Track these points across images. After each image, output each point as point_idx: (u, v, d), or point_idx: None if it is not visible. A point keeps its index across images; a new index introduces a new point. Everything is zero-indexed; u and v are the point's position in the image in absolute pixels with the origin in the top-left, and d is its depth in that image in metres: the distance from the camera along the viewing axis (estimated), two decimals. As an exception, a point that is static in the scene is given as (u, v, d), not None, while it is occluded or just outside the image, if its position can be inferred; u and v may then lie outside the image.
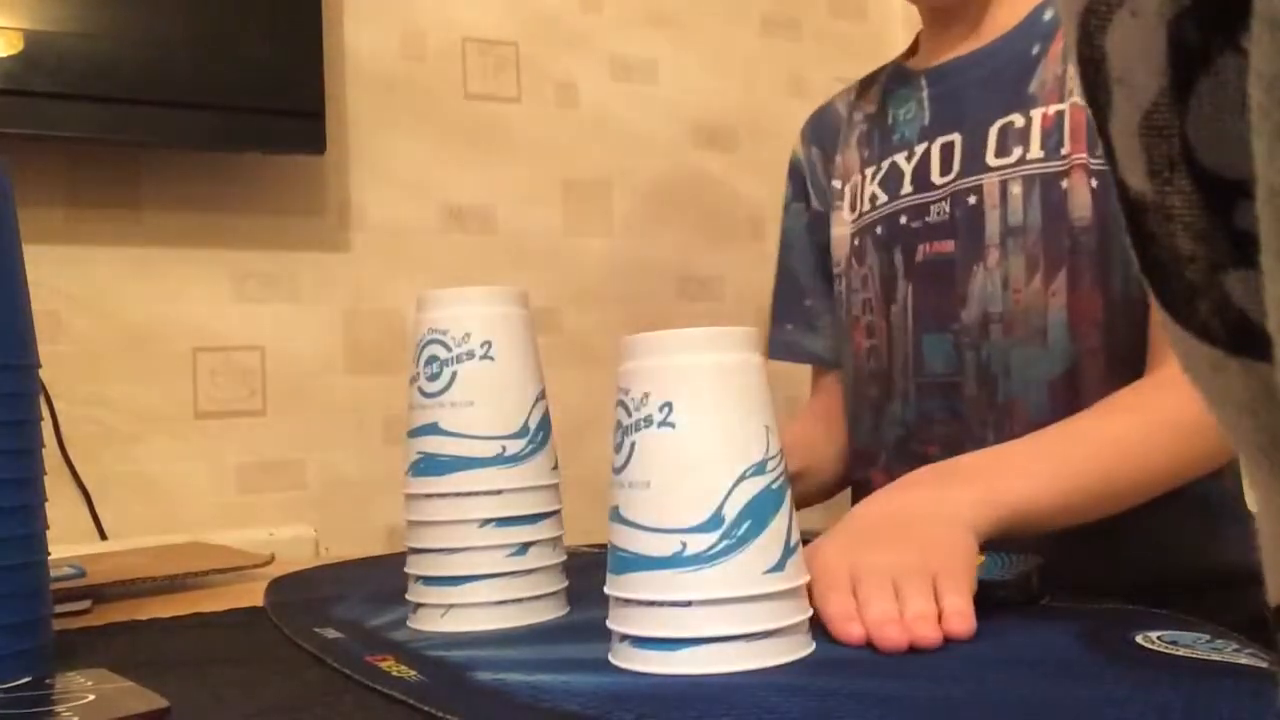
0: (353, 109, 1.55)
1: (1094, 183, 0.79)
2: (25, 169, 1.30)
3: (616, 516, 0.56)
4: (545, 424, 0.67)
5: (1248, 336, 0.20)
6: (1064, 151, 0.80)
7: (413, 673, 0.54)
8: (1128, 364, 0.79)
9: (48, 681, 0.53)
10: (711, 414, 0.53)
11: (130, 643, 0.65)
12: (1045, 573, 0.64)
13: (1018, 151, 0.82)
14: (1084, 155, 0.79)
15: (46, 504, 0.60)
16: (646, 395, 0.54)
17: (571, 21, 1.70)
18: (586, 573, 0.76)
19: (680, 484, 0.53)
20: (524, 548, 0.64)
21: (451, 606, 0.64)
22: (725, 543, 0.52)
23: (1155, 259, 0.21)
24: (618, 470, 0.56)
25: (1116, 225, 0.78)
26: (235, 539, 1.13)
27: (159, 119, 1.32)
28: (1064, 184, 0.80)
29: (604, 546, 0.97)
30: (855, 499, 0.99)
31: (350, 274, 1.53)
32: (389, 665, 0.55)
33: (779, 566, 0.52)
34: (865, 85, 1.03)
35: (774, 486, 0.53)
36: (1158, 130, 0.20)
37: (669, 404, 0.53)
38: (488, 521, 0.64)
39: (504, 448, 0.64)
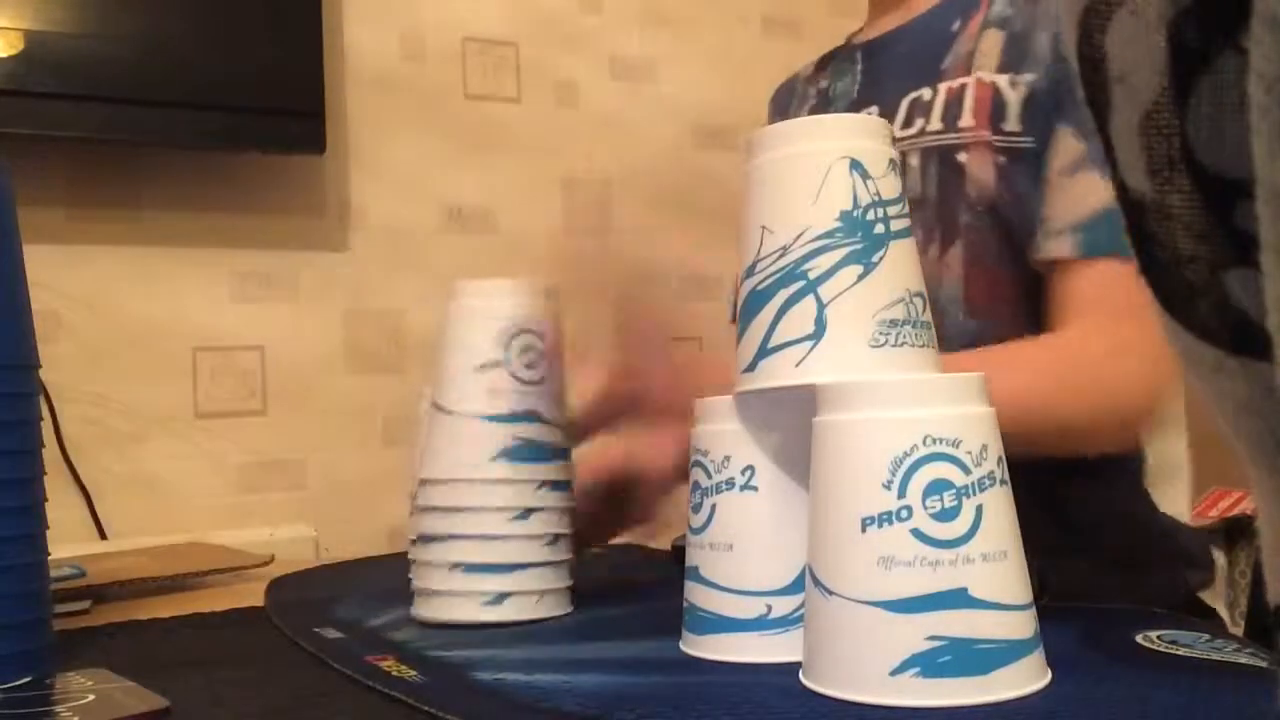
0: (353, 109, 1.55)
1: (1001, 160, 0.78)
2: (25, 169, 1.30)
3: (696, 576, 0.56)
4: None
5: (1248, 336, 0.20)
6: (962, 124, 0.79)
7: (413, 673, 0.53)
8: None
9: (48, 681, 0.53)
10: (795, 477, 0.53)
11: (130, 643, 0.65)
12: (1043, 571, 0.64)
13: (919, 123, 0.82)
14: (987, 133, 0.78)
15: (46, 504, 0.60)
16: (728, 459, 0.54)
17: (571, 21, 1.70)
18: (587, 572, 0.76)
19: (763, 547, 0.53)
20: (556, 539, 0.66)
21: (490, 595, 0.64)
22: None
23: (1155, 258, 0.21)
24: (697, 530, 0.56)
25: (1026, 206, 0.77)
26: (235, 539, 1.13)
27: (159, 119, 1.33)
28: (960, 157, 0.79)
29: (604, 547, 0.97)
30: None
31: (350, 274, 1.53)
32: (389, 665, 0.55)
33: None
34: (823, 62, 1.03)
35: None
36: (1158, 129, 0.20)
37: (751, 467, 0.54)
38: (530, 511, 0.65)
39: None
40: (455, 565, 0.65)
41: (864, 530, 0.45)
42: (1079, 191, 0.74)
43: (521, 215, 1.65)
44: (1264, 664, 0.48)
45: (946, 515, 0.44)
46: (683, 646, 0.56)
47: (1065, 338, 0.73)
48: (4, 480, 0.57)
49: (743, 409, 0.54)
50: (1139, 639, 0.54)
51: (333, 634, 0.63)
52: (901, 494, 0.44)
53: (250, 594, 0.79)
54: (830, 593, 0.46)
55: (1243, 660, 0.49)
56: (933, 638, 0.43)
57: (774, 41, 1.84)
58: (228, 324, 1.45)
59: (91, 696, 0.49)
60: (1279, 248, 0.17)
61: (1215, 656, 0.50)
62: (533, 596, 0.64)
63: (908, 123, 0.83)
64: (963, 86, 0.80)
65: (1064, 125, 0.76)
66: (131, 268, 1.40)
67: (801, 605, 0.51)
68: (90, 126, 1.29)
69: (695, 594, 0.55)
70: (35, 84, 1.25)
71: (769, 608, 0.53)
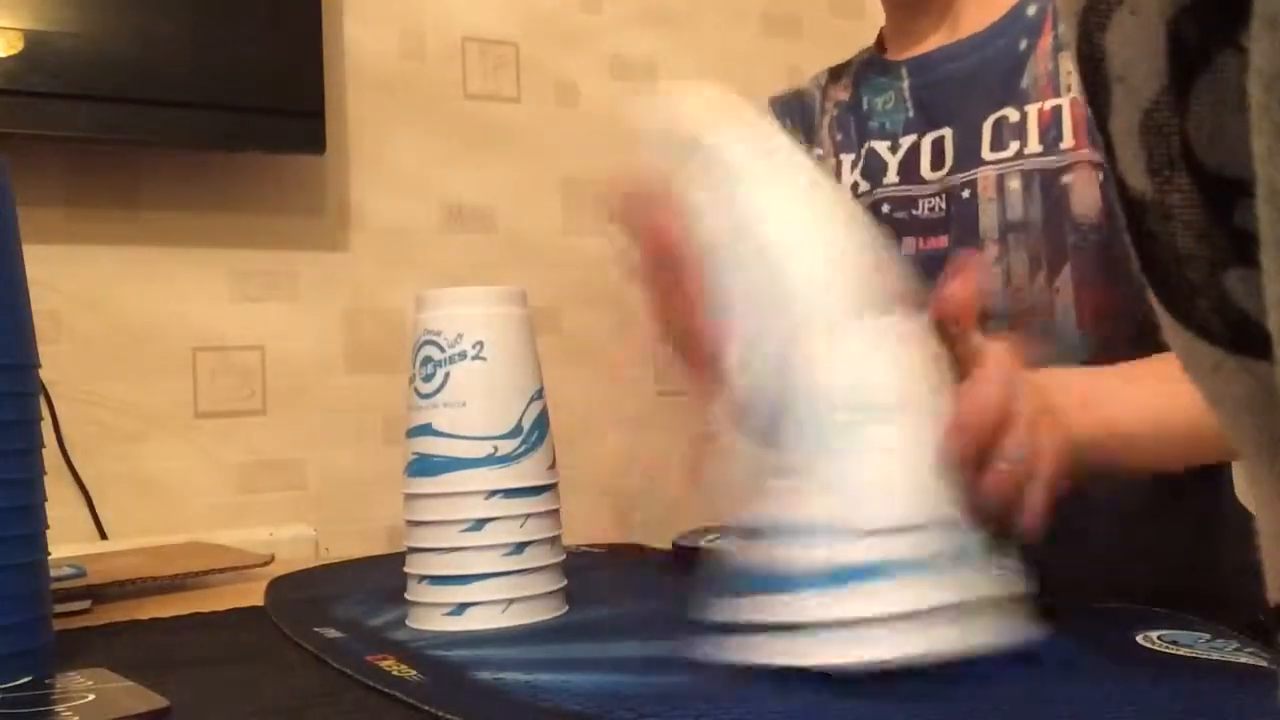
0: (353, 109, 1.55)
1: (1100, 177, 0.78)
2: (25, 169, 1.30)
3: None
4: (541, 423, 0.67)
5: (1248, 335, 0.20)
6: (1063, 146, 0.79)
7: (413, 673, 0.53)
8: (1147, 355, 0.78)
9: (48, 681, 0.53)
10: None
11: (130, 643, 0.65)
12: (1045, 572, 0.64)
13: (1014, 146, 0.81)
14: (1088, 151, 0.78)
15: (46, 504, 0.60)
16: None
17: (571, 21, 1.70)
18: (586, 572, 0.76)
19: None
20: (520, 547, 0.64)
21: (450, 605, 0.64)
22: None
23: (1155, 258, 0.21)
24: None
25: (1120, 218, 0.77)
26: (235, 539, 1.13)
27: (159, 119, 1.33)
28: (1065, 179, 0.79)
29: (603, 546, 0.97)
30: None
31: (350, 274, 1.53)
32: (389, 665, 0.55)
33: None
34: (836, 74, 1.02)
35: None
36: (1158, 129, 0.20)
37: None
38: (482, 522, 0.64)
39: (496, 448, 0.64)
40: (422, 577, 0.65)
41: None
42: None
43: (521, 215, 1.65)
44: (1264, 664, 0.48)
45: None
46: (724, 612, 0.49)
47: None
48: (4, 480, 0.57)
49: None
50: (1139, 639, 0.54)
51: (333, 634, 0.63)
52: None
53: (250, 594, 0.79)
54: None
55: (1243, 660, 0.49)
56: None
57: (774, 41, 1.84)
58: (227, 324, 1.45)
59: (91, 696, 0.49)
60: (1279, 246, 0.17)
61: (1215, 656, 0.50)
62: (497, 606, 0.64)
63: (998, 145, 0.82)
64: (1056, 108, 0.80)
65: None
66: (131, 267, 1.40)
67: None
68: (90, 126, 1.29)
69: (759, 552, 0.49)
70: (35, 84, 1.25)
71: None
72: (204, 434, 1.43)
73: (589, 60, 1.71)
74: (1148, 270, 0.22)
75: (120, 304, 1.39)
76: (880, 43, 0.99)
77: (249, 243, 1.47)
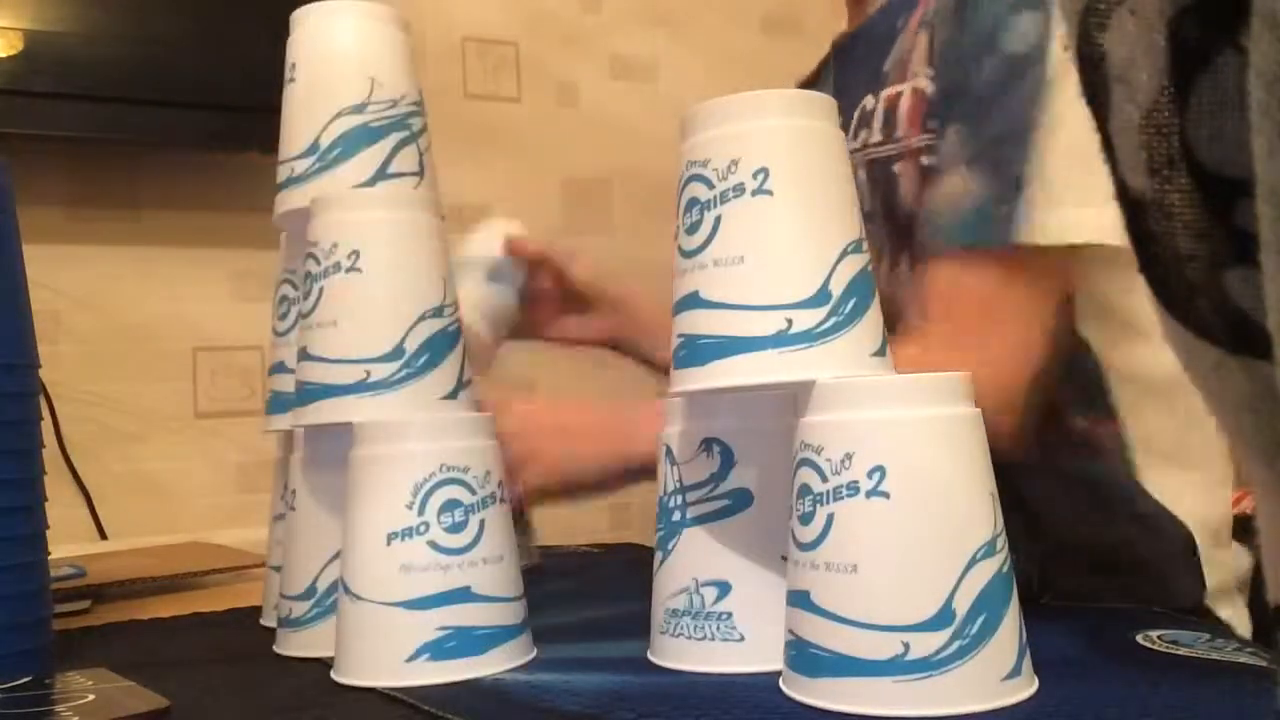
0: (353, 109, 1.55)
1: (924, 161, 0.74)
2: (25, 169, 1.30)
3: (805, 603, 0.46)
4: (438, 344, 0.58)
5: (1248, 335, 0.20)
6: (897, 135, 0.76)
7: (413, 672, 0.53)
8: None
9: (48, 681, 0.53)
10: (929, 478, 0.44)
11: (130, 643, 0.65)
12: (1043, 572, 0.64)
13: (863, 135, 0.79)
14: (917, 138, 0.75)
15: (46, 504, 0.60)
16: (849, 456, 0.45)
17: (571, 21, 1.70)
18: (587, 572, 0.76)
19: (899, 570, 0.44)
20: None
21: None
22: (958, 643, 0.43)
23: (1155, 257, 0.21)
24: (806, 546, 0.46)
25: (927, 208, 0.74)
26: (235, 539, 1.13)
27: (159, 119, 1.32)
28: (896, 168, 0.76)
29: (603, 546, 0.97)
30: None
31: (350, 274, 1.53)
32: (389, 665, 0.55)
33: (1016, 671, 0.44)
34: (821, 67, 1.01)
35: (1005, 571, 0.45)
36: (1158, 128, 0.20)
37: (881, 468, 0.44)
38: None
39: (368, 372, 0.56)
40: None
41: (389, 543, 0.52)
42: (942, 187, 0.72)
43: (521, 215, 1.65)
44: (1264, 664, 0.48)
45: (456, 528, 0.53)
46: (786, 688, 0.47)
47: (905, 355, 0.70)
48: (4, 480, 0.57)
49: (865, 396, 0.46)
50: (1139, 639, 0.54)
51: (333, 634, 0.63)
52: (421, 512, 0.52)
53: (250, 594, 0.78)
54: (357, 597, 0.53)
55: (1243, 660, 0.49)
56: (441, 628, 0.52)
57: (774, 41, 1.84)
58: (227, 324, 1.45)
59: (91, 696, 0.49)
60: (1279, 247, 0.17)
61: (1215, 656, 0.50)
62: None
63: (854, 134, 0.80)
64: (898, 95, 0.77)
65: (952, 124, 0.73)
66: (131, 267, 1.40)
67: (946, 644, 0.43)
68: (90, 126, 1.29)
69: (806, 626, 0.46)
70: (35, 84, 1.25)
71: (905, 646, 0.43)
72: (204, 434, 1.43)
73: (589, 60, 1.71)
74: (1148, 270, 0.22)
75: (120, 304, 1.39)
76: None
77: (249, 242, 1.47)
